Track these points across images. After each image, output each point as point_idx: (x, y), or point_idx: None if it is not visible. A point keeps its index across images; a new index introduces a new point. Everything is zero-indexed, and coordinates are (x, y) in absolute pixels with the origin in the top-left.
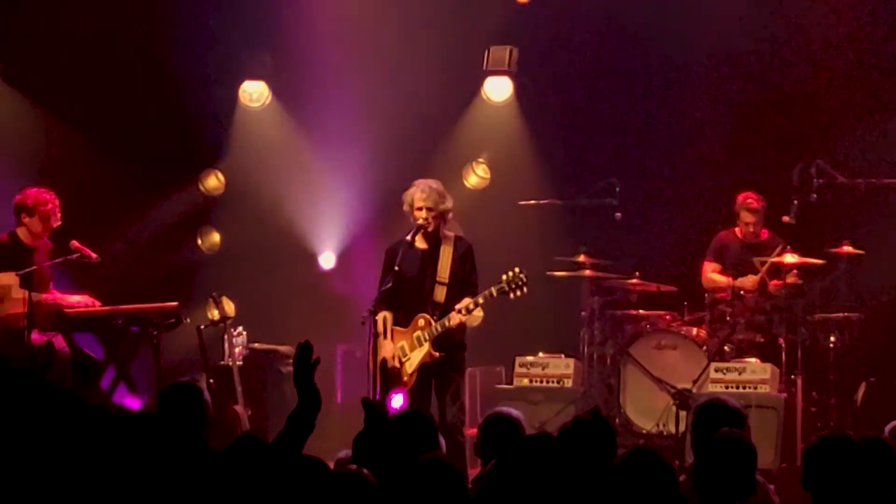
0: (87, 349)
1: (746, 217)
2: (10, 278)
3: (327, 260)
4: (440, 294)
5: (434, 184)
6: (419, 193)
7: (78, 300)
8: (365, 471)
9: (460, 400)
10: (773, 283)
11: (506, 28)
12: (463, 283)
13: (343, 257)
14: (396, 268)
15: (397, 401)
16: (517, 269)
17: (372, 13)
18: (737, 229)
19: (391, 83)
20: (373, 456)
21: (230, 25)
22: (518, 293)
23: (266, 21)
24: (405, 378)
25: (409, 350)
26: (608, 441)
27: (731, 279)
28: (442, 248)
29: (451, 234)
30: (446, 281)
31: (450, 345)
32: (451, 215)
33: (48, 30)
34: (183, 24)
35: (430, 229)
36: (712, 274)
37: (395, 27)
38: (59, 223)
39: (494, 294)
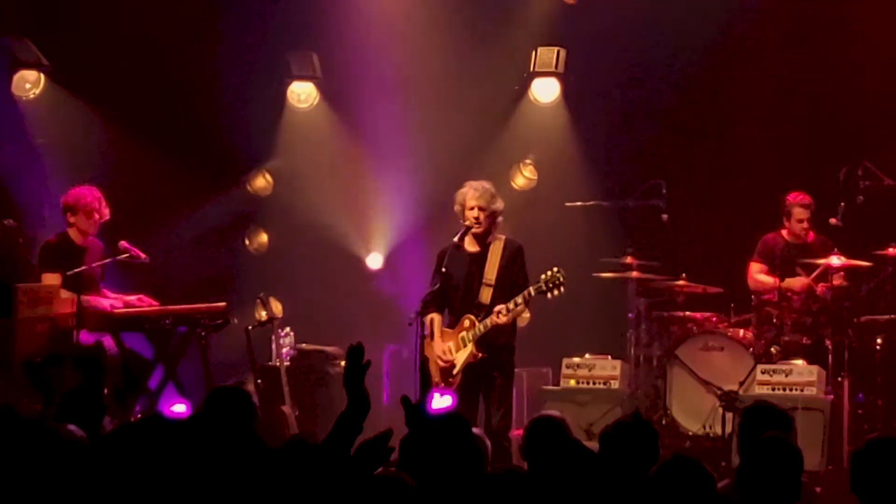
0: (136, 349)
1: (800, 214)
2: (58, 279)
3: (374, 261)
4: (486, 295)
5: (486, 184)
6: (471, 192)
7: (133, 300)
8: (404, 474)
9: (507, 403)
10: (821, 286)
11: (553, 29)
12: (511, 285)
13: (390, 258)
14: (444, 269)
15: (440, 401)
16: (555, 269)
17: (420, 15)
18: (784, 231)
19: (439, 84)
20: (415, 458)
21: (279, 26)
22: (556, 292)
23: (314, 22)
24: (451, 378)
25: (454, 351)
26: (650, 444)
27: (777, 280)
28: (491, 249)
29: (502, 235)
30: (493, 282)
31: (496, 347)
32: (501, 218)
33: (95, 30)
34: (232, 24)
35: (480, 230)
36: (759, 275)
37: (442, 28)
38: (107, 218)
39: (532, 294)
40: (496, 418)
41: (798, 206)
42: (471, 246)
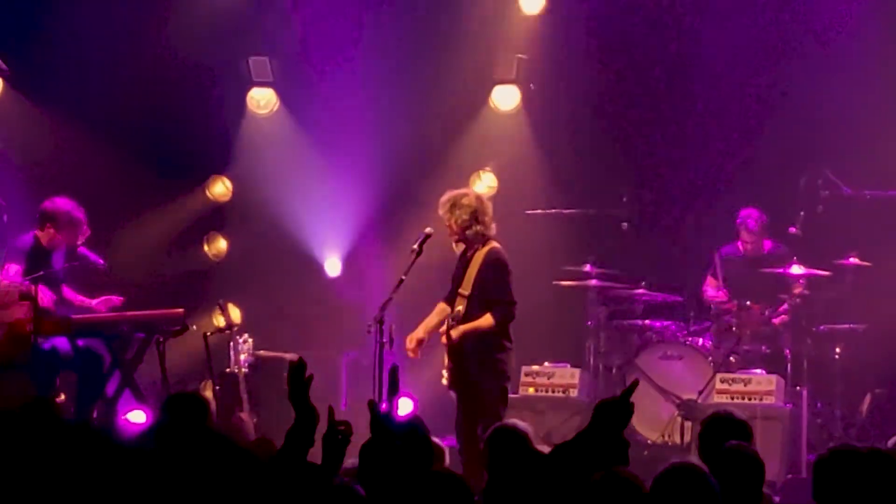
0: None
1: (745, 236)
2: (18, 270)
3: (333, 267)
4: (460, 305)
5: (449, 193)
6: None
7: (98, 303)
8: (355, 485)
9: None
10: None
11: (514, 37)
12: (484, 298)
13: (349, 265)
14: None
15: (405, 406)
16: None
17: (380, 20)
18: (739, 243)
19: (399, 91)
20: (376, 465)
21: (239, 31)
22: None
23: (273, 27)
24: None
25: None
26: (620, 455)
27: (725, 295)
28: (474, 258)
29: (489, 246)
30: (467, 293)
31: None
32: (479, 226)
33: (55, 35)
34: (191, 29)
35: (454, 238)
36: (711, 290)
37: (403, 34)
38: (86, 236)
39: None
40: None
41: (744, 229)
42: (463, 254)
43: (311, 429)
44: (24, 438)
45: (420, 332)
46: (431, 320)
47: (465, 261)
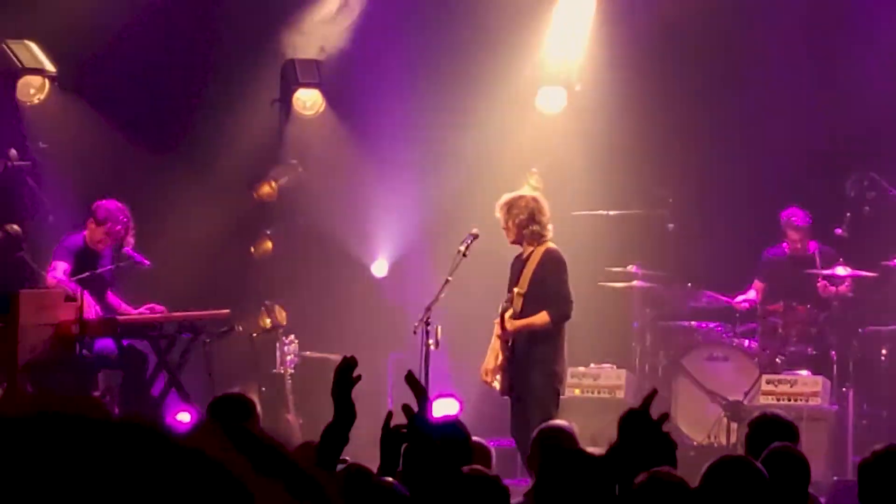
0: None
1: (791, 235)
2: (66, 268)
3: (380, 268)
4: (518, 304)
5: (506, 196)
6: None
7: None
8: (397, 484)
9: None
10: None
11: (560, 39)
12: (540, 296)
13: (395, 266)
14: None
15: (449, 407)
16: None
17: (426, 22)
18: (785, 244)
19: (445, 92)
20: (417, 466)
21: (286, 32)
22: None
23: (319, 28)
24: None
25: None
26: (668, 456)
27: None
28: (531, 257)
29: (545, 245)
30: (523, 291)
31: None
32: (536, 227)
33: (101, 35)
34: (239, 29)
35: (510, 239)
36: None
37: (448, 36)
38: (129, 245)
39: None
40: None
41: (789, 227)
42: (520, 255)
43: (348, 426)
44: (73, 441)
45: (489, 361)
46: (495, 344)
47: (521, 261)
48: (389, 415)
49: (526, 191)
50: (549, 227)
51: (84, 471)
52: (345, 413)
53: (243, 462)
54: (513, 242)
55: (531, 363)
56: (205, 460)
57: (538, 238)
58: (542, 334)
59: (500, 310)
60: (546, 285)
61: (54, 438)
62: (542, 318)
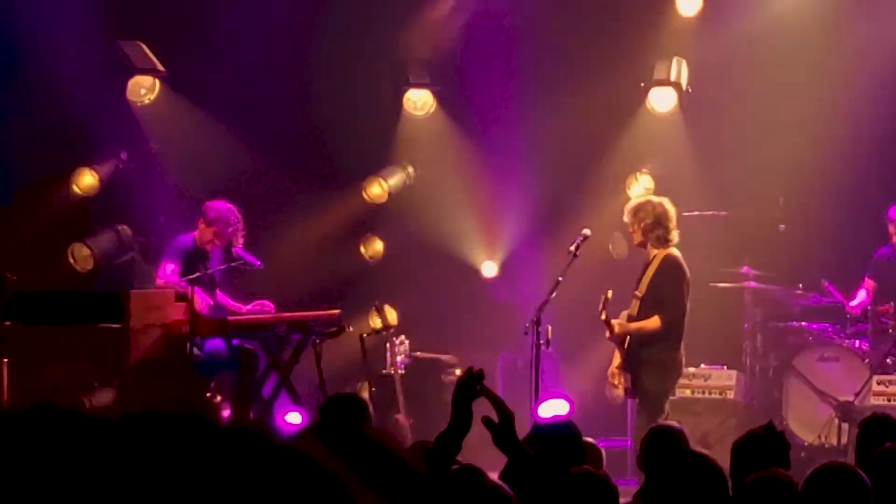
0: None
1: (891, 228)
2: (175, 270)
3: (489, 269)
4: (635, 307)
5: (635, 200)
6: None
7: (250, 308)
8: (504, 486)
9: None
10: None
11: (672, 39)
12: (655, 300)
13: (505, 266)
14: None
15: (560, 408)
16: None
17: (537, 22)
18: (894, 243)
19: (555, 93)
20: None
21: (396, 33)
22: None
23: (430, 29)
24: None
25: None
26: (781, 457)
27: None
28: (652, 263)
29: (667, 251)
30: (641, 294)
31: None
32: (661, 231)
33: (211, 35)
34: (349, 30)
35: (635, 241)
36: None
37: (559, 36)
38: (238, 245)
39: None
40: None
41: (892, 224)
42: (647, 257)
43: (461, 436)
44: (175, 443)
45: (613, 363)
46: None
47: (644, 265)
48: (470, 370)
49: (632, 189)
50: (675, 231)
51: (190, 474)
52: (461, 422)
53: (344, 467)
54: (637, 245)
55: (642, 365)
56: (307, 464)
57: (663, 242)
58: (654, 337)
59: (600, 310)
60: (661, 290)
61: (156, 441)
62: (653, 322)
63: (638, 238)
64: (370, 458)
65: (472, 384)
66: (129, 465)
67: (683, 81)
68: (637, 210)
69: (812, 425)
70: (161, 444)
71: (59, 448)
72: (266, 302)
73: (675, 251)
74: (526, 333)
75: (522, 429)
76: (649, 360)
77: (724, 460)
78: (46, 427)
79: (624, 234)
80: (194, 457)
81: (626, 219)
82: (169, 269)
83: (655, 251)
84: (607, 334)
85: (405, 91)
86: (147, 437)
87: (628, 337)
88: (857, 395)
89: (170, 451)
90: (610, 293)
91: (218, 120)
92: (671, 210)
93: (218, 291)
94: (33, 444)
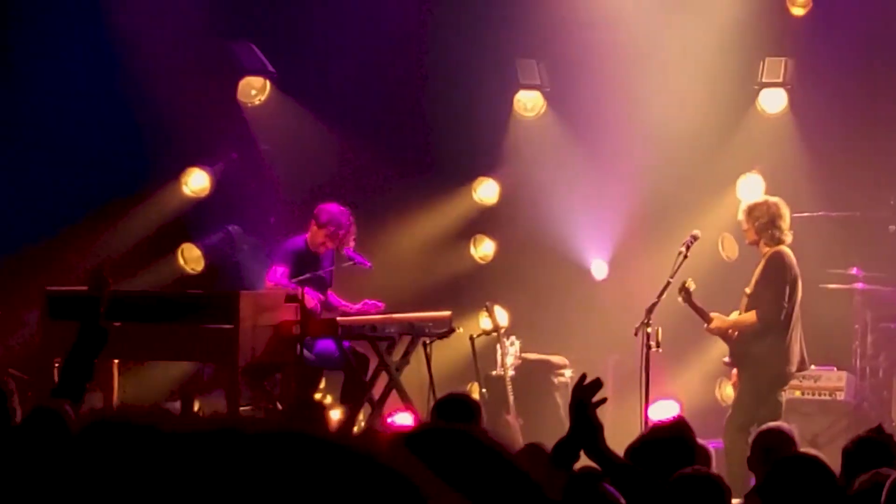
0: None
1: None
2: (285, 272)
3: (599, 270)
4: (743, 304)
5: (748, 201)
6: None
7: (360, 308)
8: (610, 488)
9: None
10: None
11: (781, 39)
12: (757, 297)
13: (615, 267)
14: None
15: (669, 409)
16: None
17: (647, 23)
18: None
19: (665, 94)
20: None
21: (507, 34)
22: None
23: (541, 30)
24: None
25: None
26: (891, 459)
27: None
28: (761, 261)
29: (775, 249)
30: (749, 292)
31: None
32: (774, 230)
33: (320, 36)
34: (458, 30)
35: (747, 241)
36: None
37: (668, 37)
38: (349, 247)
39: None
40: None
41: None
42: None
43: (581, 443)
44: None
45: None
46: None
47: (757, 264)
48: (583, 378)
49: (741, 191)
50: (789, 232)
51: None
52: (581, 430)
53: (423, 470)
54: (750, 244)
55: (743, 363)
56: (377, 468)
57: (776, 241)
58: (750, 334)
59: (681, 299)
60: (762, 287)
61: (219, 451)
62: (749, 317)
63: (751, 237)
64: (482, 459)
65: (589, 393)
66: (200, 489)
67: (792, 82)
68: (752, 209)
69: None
70: (238, 465)
71: (119, 468)
72: (377, 303)
73: (784, 249)
74: (636, 335)
75: (633, 431)
76: (745, 357)
77: (834, 462)
78: (115, 445)
79: (734, 234)
80: (264, 468)
81: (740, 217)
82: (279, 272)
83: (766, 249)
84: (705, 326)
85: (515, 92)
86: (226, 457)
87: (735, 333)
88: None
89: (245, 472)
90: (691, 283)
91: (327, 121)
92: (785, 210)
93: (329, 293)
94: (98, 464)
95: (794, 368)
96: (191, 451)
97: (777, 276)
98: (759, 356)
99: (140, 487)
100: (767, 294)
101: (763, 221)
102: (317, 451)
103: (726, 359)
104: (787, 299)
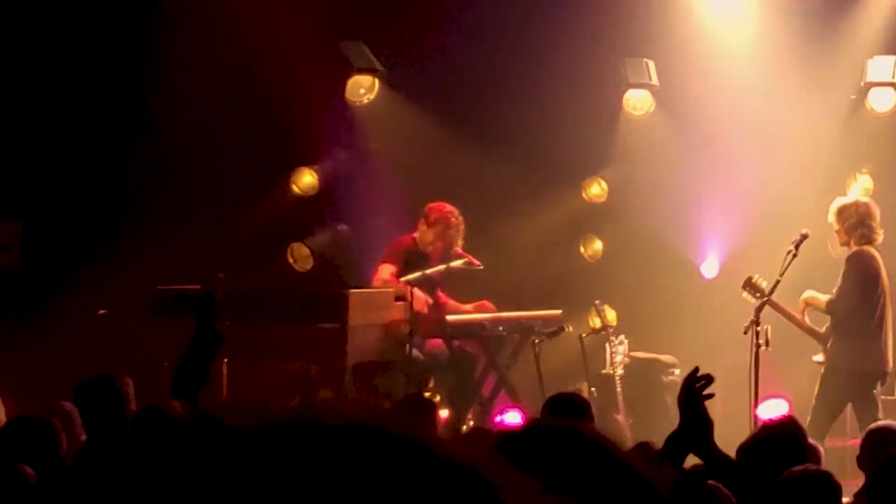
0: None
1: None
2: (393, 270)
3: (709, 268)
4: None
5: (835, 203)
6: None
7: (471, 308)
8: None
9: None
10: None
11: (889, 37)
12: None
13: (725, 266)
14: None
15: (778, 408)
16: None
17: (757, 20)
18: None
19: (772, 91)
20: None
21: (616, 33)
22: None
23: (651, 29)
24: None
25: None
26: None
27: None
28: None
29: (859, 248)
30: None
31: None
32: (863, 230)
33: (431, 33)
34: (567, 29)
35: (839, 241)
36: None
37: (773, 36)
38: (457, 247)
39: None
40: None
41: None
42: None
43: (691, 441)
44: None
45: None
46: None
47: None
48: (695, 371)
49: (851, 190)
50: (880, 231)
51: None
52: (691, 424)
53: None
54: (841, 245)
55: (829, 357)
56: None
57: (867, 241)
58: (842, 333)
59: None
60: (841, 280)
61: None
62: (822, 300)
63: (842, 238)
64: (591, 455)
65: (695, 386)
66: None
67: None
68: (841, 210)
69: None
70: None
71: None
72: (486, 302)
73: (867, 249)
74: (745, 333)
75: (741, 429)
76: (832, 351)
77: None
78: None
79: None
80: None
81: (830, 219)
82: (387, 271)
83: (851, 248)
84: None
85: (624, 91)
86: (303, 449)
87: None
88: None
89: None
90: (757, 277)
91: (437, 119)
92: (875, 210)
93: (438, 291)
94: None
95: (888, 368)
96: (266, 443)
97: (855, 273)
98: (832, 355)
99: (204, 482)
100: (841, 287)
101: (852, 222)
102: (387, 446)
103: (817, 357)
104: (862, 299)
